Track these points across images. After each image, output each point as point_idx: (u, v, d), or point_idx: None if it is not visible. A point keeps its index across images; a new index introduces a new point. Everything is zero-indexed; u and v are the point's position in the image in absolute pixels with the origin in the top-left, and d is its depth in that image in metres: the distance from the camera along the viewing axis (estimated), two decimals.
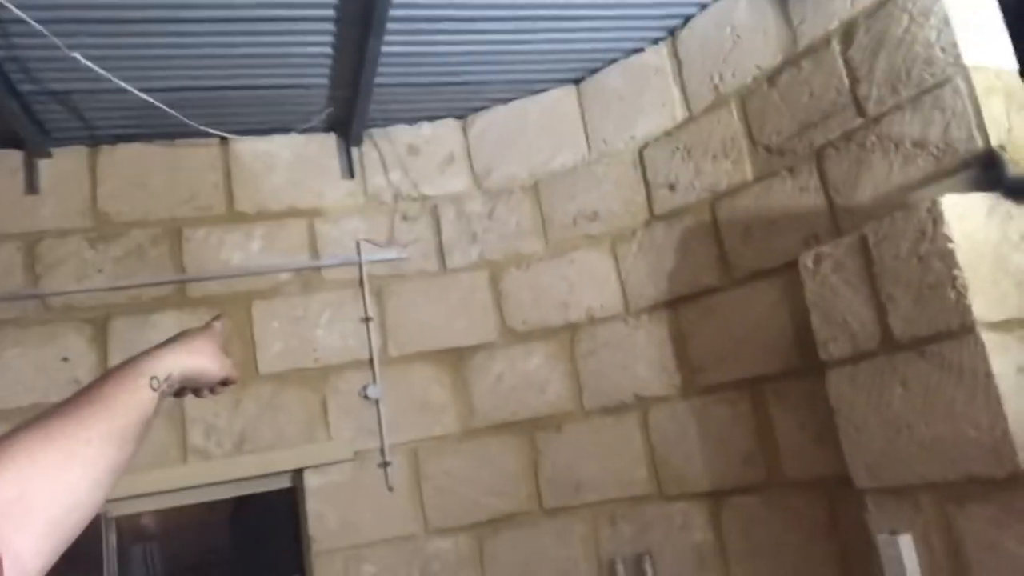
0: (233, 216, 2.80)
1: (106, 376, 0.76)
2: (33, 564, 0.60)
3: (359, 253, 2.84)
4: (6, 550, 0.58)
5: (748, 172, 2.41)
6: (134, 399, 0.74)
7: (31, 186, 2.65)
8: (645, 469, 2.68)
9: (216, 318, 0.96)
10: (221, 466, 2.58)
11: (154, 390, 0.77)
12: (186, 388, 0.88)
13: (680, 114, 2.63)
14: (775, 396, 2.33)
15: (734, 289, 2.44)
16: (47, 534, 0.62)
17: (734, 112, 2.45)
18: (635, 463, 2.69)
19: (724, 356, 2.47)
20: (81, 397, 0.71)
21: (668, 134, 2.66)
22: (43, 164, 2.68)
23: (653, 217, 2.70)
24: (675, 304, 2.63)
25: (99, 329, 2.60)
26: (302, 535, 2.66)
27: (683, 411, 2.59)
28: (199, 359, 0.86)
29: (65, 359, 2.54)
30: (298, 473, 2.66)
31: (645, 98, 2.73)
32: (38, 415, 0.67)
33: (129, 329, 2.61)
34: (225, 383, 0.92)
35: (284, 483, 2.70)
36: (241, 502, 3.59)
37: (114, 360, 2.57)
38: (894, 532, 1.73)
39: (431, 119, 3.01)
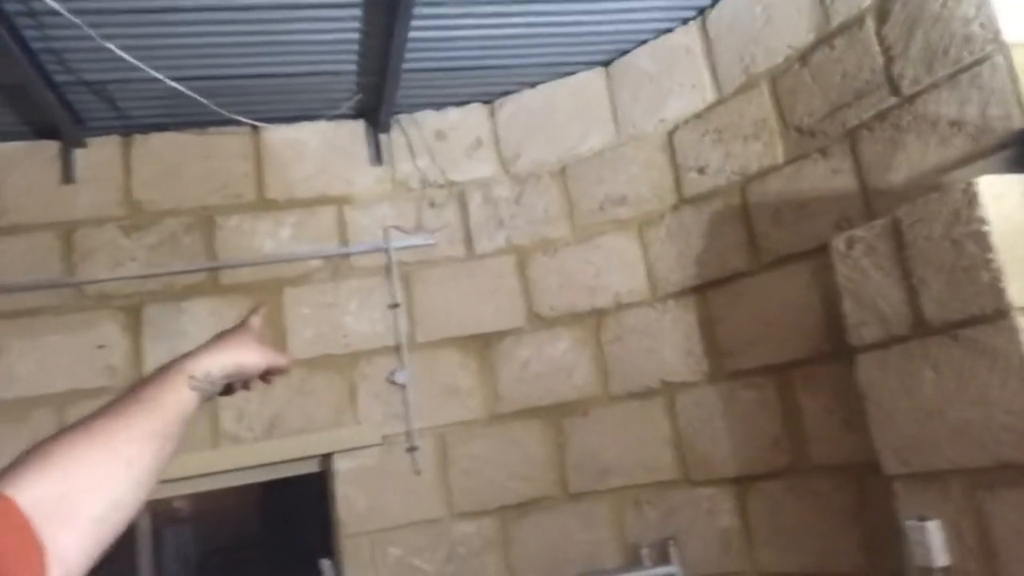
0: (264, 204, 2.83)
1: (147, 378, 0.77)
2: (77, 562, 0.61)
3: (387, 240, 2.86)
4: (52, 548, 0.58)
5: (779, 154, 2.36)
6: (173, 398, 0.76)
7: (67, 175, 2.70)
8: (671, 454, 2.66)
9: (253, 311, 0.96)
10: (252, 450, 2.62)
11: (193, 389, 0.78)
12: (234, 384, 0.89)
13: (710, 96, 2.59)
14: (803, 381, 2.29)
15: (763, 273, 2.40)
16: (91, 532, 0.63)
17: (765, 93, 2.41)
18: (661, 448, 2.67)
19: (752, 341, 2.44)
20: (123, 398, 0.73)
21: (698, 116, 2.62)
22: (78, 154, 2.73)
23: (682, 201, 2.67)
24: (703, 289, 2.60)
25: (133, 316, 2.65)
26: (331, 519, 2.70)
27: (710, 396, 2.56)
28: (236, 354, 0.87)
29: (100, 346, 2.60)
30: (327, 457, 2.70)
31: (675, 80, 2.69)
32: (82, 417, 0.69)
33: (163, 316, 2.66)
34: (273, 371, 0.92)
35: (313, 467, 2.74)
36: (272, 486, 3.64)
37: (148, 347, 2.62)
38: (922, 518, 1.70)
39: (458, 104, 3.01)
